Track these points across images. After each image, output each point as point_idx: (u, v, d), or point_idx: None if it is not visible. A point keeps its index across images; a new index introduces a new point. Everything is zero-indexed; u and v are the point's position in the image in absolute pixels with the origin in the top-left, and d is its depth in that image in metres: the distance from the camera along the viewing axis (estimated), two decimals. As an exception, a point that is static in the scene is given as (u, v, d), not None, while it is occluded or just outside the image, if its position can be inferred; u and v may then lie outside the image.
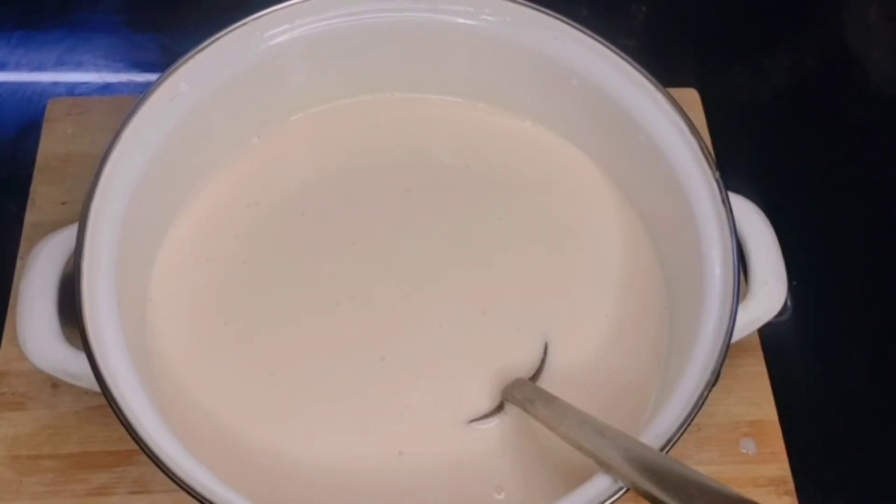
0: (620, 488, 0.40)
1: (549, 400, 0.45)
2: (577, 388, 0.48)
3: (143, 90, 0.48)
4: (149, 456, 0.40)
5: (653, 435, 0.42)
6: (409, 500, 0.45)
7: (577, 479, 0.42)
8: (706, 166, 0.47)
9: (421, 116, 0.56)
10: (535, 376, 0.48)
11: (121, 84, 0.64)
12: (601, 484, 0.40)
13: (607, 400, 0.48)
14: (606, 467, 0.40)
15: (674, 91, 0.50)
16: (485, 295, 0.50)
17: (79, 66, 0.65)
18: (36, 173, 0.57)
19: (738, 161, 0.60)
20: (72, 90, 0.64)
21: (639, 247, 0.52)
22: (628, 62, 0.50)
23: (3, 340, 0.52)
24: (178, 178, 0.51)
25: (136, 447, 0.40)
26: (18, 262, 0.54)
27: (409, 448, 0.46)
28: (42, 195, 0.56)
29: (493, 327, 0.50)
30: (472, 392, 0.48)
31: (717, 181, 0.47)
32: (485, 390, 0.48)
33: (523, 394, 0.46)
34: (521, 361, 0.49)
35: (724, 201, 0.46)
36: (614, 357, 0.49)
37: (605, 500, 0.40)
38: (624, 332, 0.50)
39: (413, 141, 0.55)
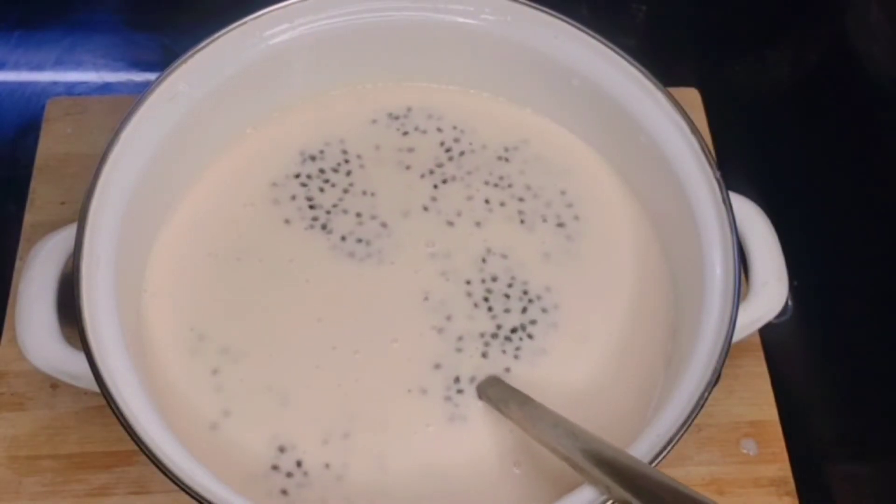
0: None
1: (523, 401, 0.44)
2: (583, 388, 0.48)
3: (143, 90, 0.48)
4: (148, 456, 0.40)
5: (654, 435, 0.41)
6: (431, 475, 0.45)
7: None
8: (707, 166, 0.47)
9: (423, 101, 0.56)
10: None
11: (120, 84, 0.64)
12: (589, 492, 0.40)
13: (610, 400, 0.48)
14: (580, 471, 0.40)
15: (674, 90, 0.50)
16: (488, 284, 0.50)
17: (78, 65, 0.65)
18: (35, 173, 0.57)
19: (739, 161, 0.60)
20: (71, 90, 0.64)
21: (649, 245, 0.52)
22: (628, 61, 0.50)
23: (3, 341, 0.52)
24: (176, 176, 0.51)
25: (136, 447, 0.40)
26: (17, 263, 0.54)
27: (426, 430, 0.46)
28: (41, 195, 0.56)
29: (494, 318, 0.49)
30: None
31: (717, 181, 0.47)
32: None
33: (497, 393, 0.46)
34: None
35: (724, 201, 0.46)
36: (622, 356, 0.49)
37: (606, 501, 0.39)
38: (633, 331, 0.49)
39: (414, 124, 0.55)
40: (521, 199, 0.53)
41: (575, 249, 0.52)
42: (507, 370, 0.48)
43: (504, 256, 0.51)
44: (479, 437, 0.46)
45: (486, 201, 0.53)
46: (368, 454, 0.46)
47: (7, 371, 0.51)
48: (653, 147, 0.49)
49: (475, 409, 0.47)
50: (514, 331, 0.49)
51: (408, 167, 0.54)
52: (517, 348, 0.48)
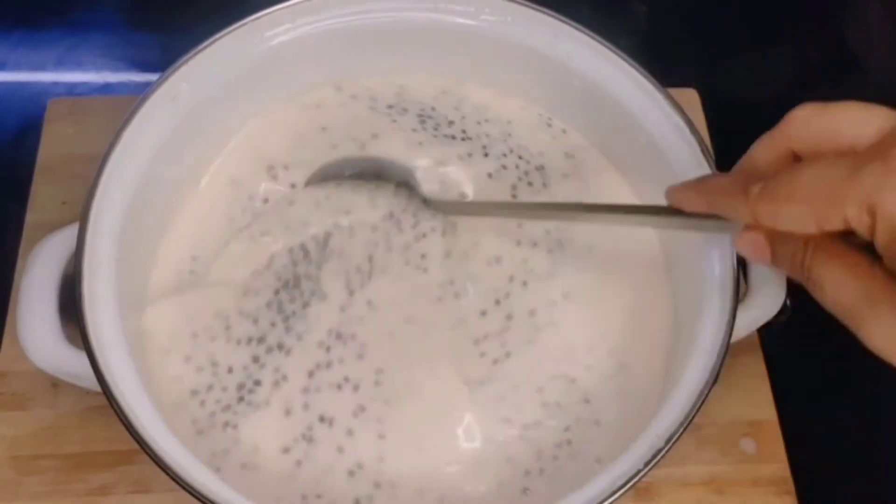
0: (620, 487, 0.40)
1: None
2: (586, 387, 0.48)
3: (144, 90, 0.48)
4: (149, 455, 0.40)
5: (653, 434, 0.42)
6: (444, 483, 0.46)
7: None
8: (706, 166, 0.47)
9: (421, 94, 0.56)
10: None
11: (121, 84, 0.64)
12: (601, 484, 0.40)
13: (609, 398, 0.48)
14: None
15: (674, 91, 0.50)
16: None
17: (79, 65, 0.65)
18: (36, 173, 0.57)
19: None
20: (72, 90, 0.64)
21: (648, 244, 0.52)
22: (628, 62, 0.50)
23: (4, 340, 0.52)
24: (178, 177, 0.51)
25: (137, 447, 0.40)
26: (19, 262, 0.54)
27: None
28: (42, 195, 0.56)
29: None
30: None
31: (716, 181, 0.47)
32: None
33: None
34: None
35: (724, 201, 0.46)
36: (621, 355, 0.49)
37: (605, 500, 0.40)
38: (632, 330, 0.49)
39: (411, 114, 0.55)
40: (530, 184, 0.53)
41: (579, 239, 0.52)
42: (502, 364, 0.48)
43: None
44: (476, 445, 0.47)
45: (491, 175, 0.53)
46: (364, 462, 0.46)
47: (8, 370, 0.51)
48: (652, 147, 0.49)
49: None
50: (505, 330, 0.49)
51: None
52: (507, 354, 0.48)
